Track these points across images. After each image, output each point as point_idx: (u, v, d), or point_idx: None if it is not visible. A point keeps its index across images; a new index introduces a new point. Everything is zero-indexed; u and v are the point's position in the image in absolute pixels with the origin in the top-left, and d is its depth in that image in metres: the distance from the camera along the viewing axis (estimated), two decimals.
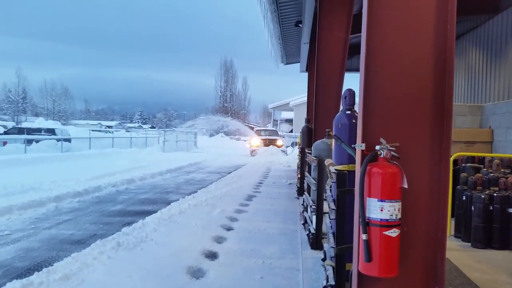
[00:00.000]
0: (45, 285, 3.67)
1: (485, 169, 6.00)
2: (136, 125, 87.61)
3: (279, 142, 27.43)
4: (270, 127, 45.86)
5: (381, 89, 2.20)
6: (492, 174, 5.47)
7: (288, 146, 29.03)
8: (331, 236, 3.31)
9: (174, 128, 32.34)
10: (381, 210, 2.02)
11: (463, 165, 6.50)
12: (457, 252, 4.77)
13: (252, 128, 40.39)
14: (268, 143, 26.76)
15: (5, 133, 24.73)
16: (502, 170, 5.91)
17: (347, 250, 2.94)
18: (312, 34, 10.11)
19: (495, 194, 4.90)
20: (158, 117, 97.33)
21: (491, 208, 4.89)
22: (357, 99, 2.71)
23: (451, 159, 5.30)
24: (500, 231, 4.84)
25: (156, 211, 6.97)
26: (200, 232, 5.62)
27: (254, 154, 24.72)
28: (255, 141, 27.29)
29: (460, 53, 10.68)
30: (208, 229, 5.79)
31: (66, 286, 3.67)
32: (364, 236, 2.06)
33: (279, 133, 34.17)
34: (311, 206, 5.17)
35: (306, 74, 13.70)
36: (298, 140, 14.89)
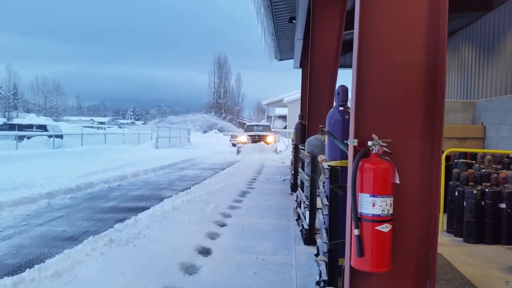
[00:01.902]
0: (37, 282, 3.64)
1: (477, 165, 6.05)
2: (129, 121, 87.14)
3: (270, 138, 25.31)
4: (264, 122, 44.88)
5: (374, 85, 2.21)
6: (484, 170, 5.51)
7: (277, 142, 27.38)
8: (324, 231, 3.32)
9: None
10: (373, 206, 2.03)
11: (455, 161, 6.55)
12: (450, 247, 4.81)
13: (243, 124, 39.83)
14: (258, 139, 24.88)
15: None
16: (493, 166, 5.96)
17: (339, 245, 2.94)
18: (306, 30, 10.10)
19: (487, 190, 4.95)
20: (151, 113, 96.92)
21: (483, 203, 4.93)
22: (350, 96, 2.71)
23: (444, 155, 5.33)
24: (492, 226, 4.89)
25: (149, 208, 6.94)
26: (193, 228, 5.61)
27: (239, 152, 22.97)
28: (241, 137, 25.74)
29: (452, 50, 10.73)
30: (202, 225, 5.78)
31: (58, 283, 3.64)
32: (356, 231, 2.07)
33: (272, 129, 32.85)
34: (304, 202, 5.18)
35: (300, 70, 13.71)
36: (292, 136, 14.87)
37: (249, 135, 25.67)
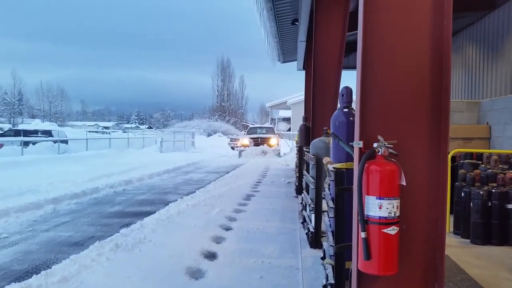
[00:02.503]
0: (44, 287, 3.65)
1: (483, 165, 6.01)
2: (133, 125, 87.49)
3: (273, 141, 24.59)
4: (267, 124, 44.41)
5: (378, 86, 2.19)
6: (490, 170, 5.48)
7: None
8: (330, 234, 3.30)
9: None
10: (380, 208, 2.01)
11: (461, 161, 6.51)
12: (457, 248, 4.77)
13: (247, 127, 39.43)
14: (260, 142, 24.18)
15: (2, 135, 24.72)
16: (500, 166, 5.92)
17: (346, 249, 2.93)
18: (309, 32, 10.10)
19: (493, 190, 4.91)
20: (155, 117, 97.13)
21: (489, 204, 4.90)
22: (354, 97, 2.69)
23: (449, 155, 5.30)
24: (499, 227, 4.85)
25: (155, 212, 6.94)
26: (199, 232, 5.60)
27: (241, 155, 22.44)
28: (243, 140, 24.96)
29: (457, 50, 10.69)
30: (207, 229, 5.77)
31: None
32: (363, 234, 2.06)
33: (276, 131, 31.86)
34: (309, 205, 5.16)
35: (303, 72, 13.70)
36: (296, 138, 14.79)
37: (251, 138, 24.84)
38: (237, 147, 25.74)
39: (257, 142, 24.19)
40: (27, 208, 7.17)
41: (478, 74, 9.68)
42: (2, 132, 27.33)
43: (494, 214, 4.86)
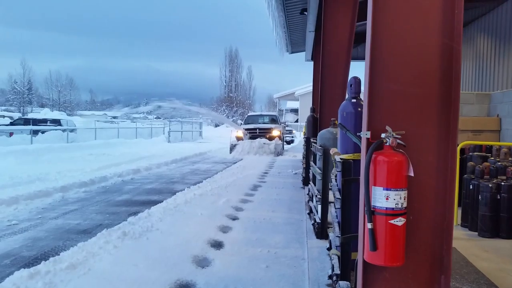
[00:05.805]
0: (52, 274, 3.69)
1: (492, 158, 5.94)
2: (142, 115, 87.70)
3: (275, 132, 19.09)
4: (271, 112, 36.72)
5: (387, 76, 2.17)
6: (499, 163, 5.42)
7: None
8: (336, 225, 3.30)
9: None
10: (387, 199, 2.00)
11: (470, 154, 6.45)
12: (464, 241, 4.75)
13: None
14: (259, 134, 19.07)
15: (11, 124, 24.93)
16: (510, 159, 5.85)
17: (352, 239, 2.92)
18: (318, 22, 10.00)
19: (502, 183, 4.86)
20: (163, 107, 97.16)
21: (498, 197, 4.85)
22: (362, 87, 2.67)
23: (458, 147, 5.25)
24: (508, 220, 4.81)
25: (162, 201, 6.98)
26: (205, 221, 5.63)
27: (232, 151, 18.23)
28: (237, 131, 20.18)
29: (468, 41, 10.54)
30: (214, 218, 5.80)
31: (72, 275, 3.69)
32: (369, 225, 2.05)
33: (282, 121, 25.38)
34: (316, 196, 5.15)
35: (312, 63, 13.61)
36: (303, 129, 14.64)
37: (247, 129, 19.72)
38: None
39: (255, 134, 19.16)
40: (36, 196, 7.26)
41: (489, 65, 9.54)
42: (12, 121, 27.57)
43: (503, 207, 4.82)
